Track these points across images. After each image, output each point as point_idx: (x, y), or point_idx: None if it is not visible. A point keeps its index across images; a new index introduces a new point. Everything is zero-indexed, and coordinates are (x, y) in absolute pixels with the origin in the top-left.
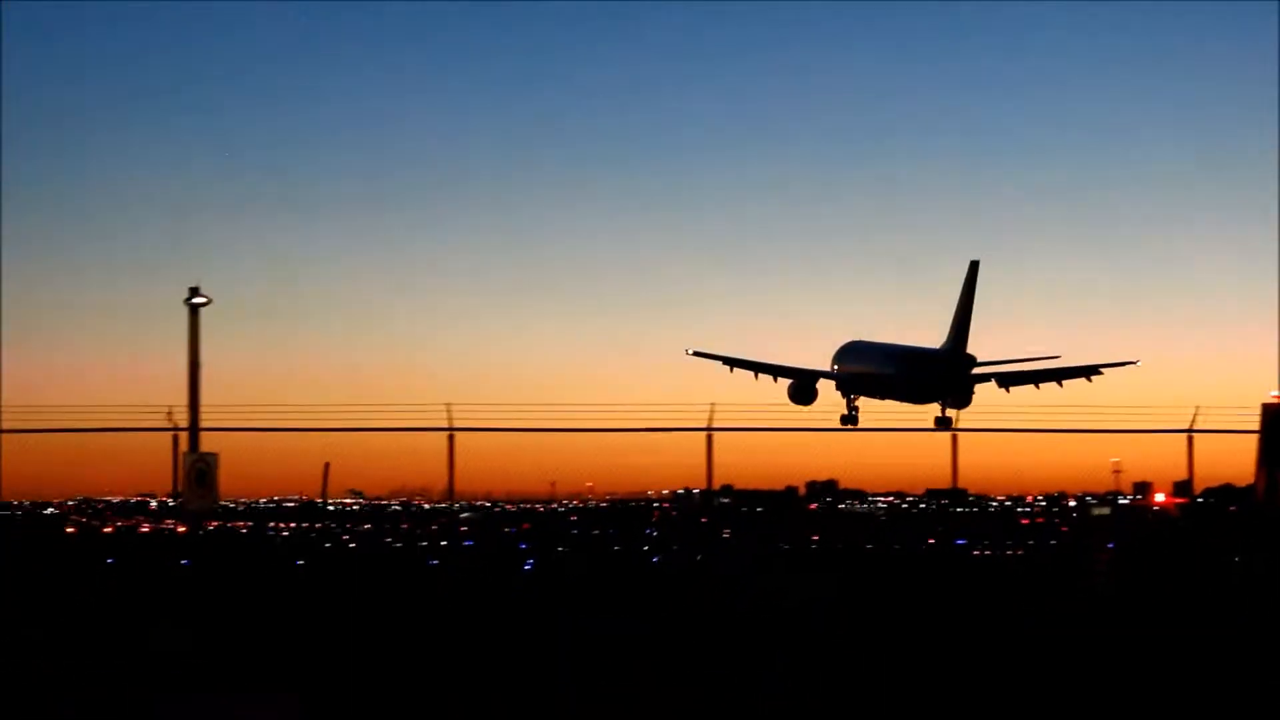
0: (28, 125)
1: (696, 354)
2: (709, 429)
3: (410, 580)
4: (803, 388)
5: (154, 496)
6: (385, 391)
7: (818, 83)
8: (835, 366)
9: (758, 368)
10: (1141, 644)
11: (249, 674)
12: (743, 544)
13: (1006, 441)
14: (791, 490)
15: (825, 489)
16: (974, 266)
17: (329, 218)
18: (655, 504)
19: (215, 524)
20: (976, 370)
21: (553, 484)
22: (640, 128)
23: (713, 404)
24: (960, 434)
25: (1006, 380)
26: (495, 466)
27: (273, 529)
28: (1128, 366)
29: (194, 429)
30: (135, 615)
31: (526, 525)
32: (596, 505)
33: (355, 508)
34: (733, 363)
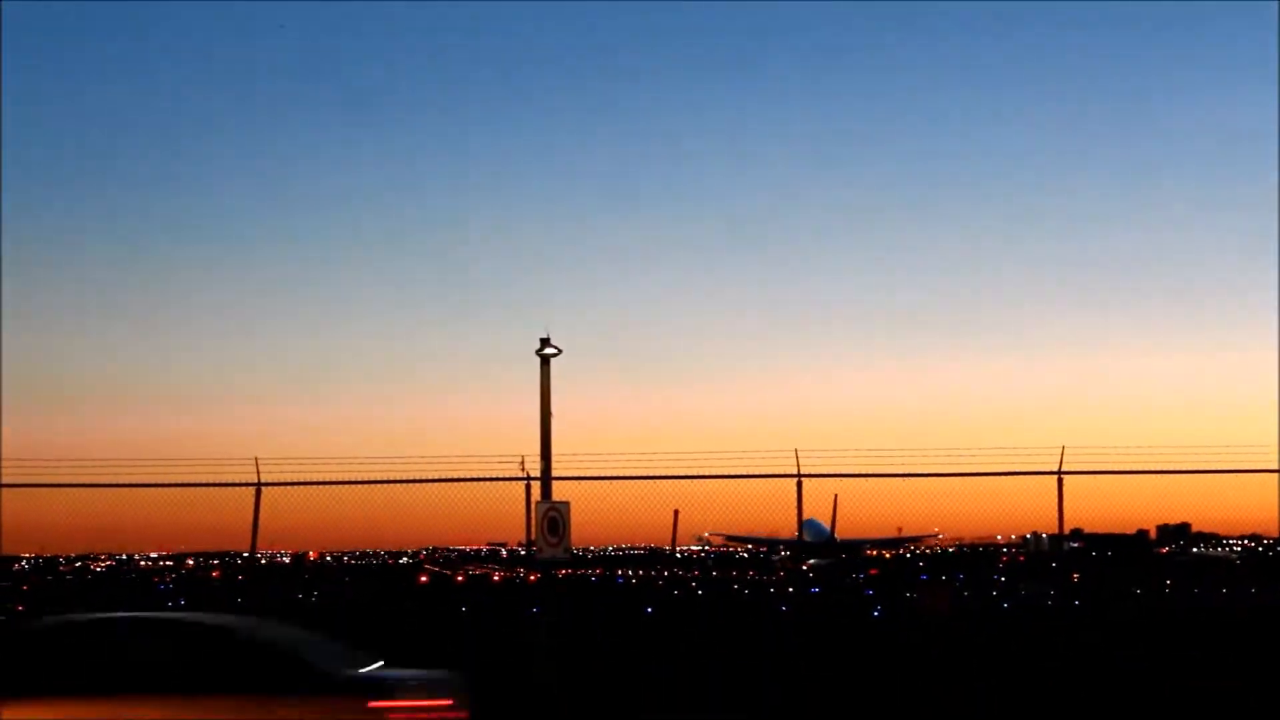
0: (381, 180)
1: (713, 534)
2: (1059, 472)
3: (755, 626)
4: (771, 550)
5: (504, 545)
6: (732, 439)
7: None
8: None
9: (744, 540)
10: None
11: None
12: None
13: None
14: (1142, 534)
15: (1177, 533)
16: (835, 499)
17: (674, 267)
18: (1004, 549)
19: (565, 571)
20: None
21: (899, 529)
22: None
23: (1064, 446)
24: None
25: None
26: (848, 513)
27: (621, 576)
28: None
29: (546, 478)
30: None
31: (874, 571)
32: (943, 550)
33: (703, 554)
34: (733, 539)
